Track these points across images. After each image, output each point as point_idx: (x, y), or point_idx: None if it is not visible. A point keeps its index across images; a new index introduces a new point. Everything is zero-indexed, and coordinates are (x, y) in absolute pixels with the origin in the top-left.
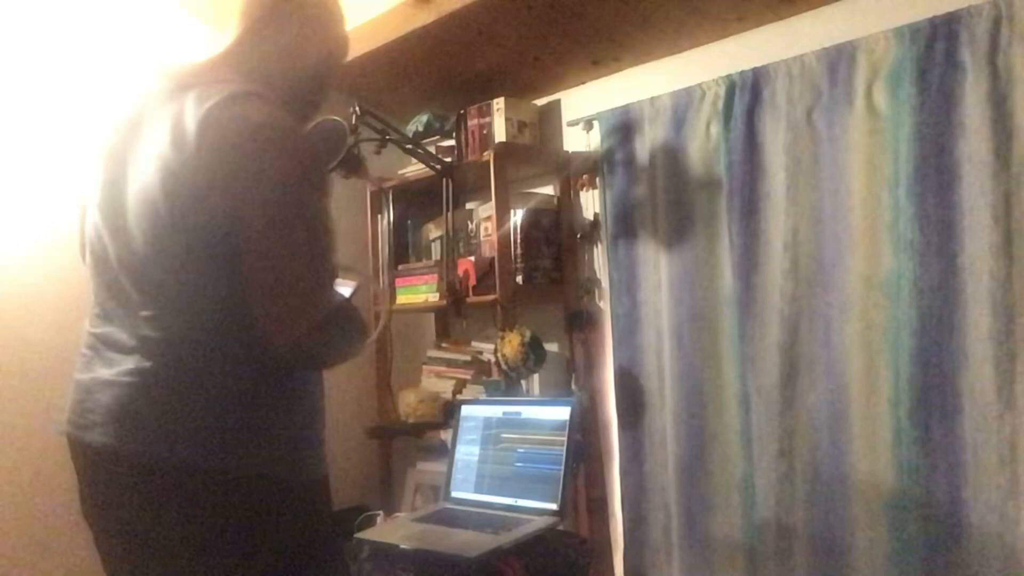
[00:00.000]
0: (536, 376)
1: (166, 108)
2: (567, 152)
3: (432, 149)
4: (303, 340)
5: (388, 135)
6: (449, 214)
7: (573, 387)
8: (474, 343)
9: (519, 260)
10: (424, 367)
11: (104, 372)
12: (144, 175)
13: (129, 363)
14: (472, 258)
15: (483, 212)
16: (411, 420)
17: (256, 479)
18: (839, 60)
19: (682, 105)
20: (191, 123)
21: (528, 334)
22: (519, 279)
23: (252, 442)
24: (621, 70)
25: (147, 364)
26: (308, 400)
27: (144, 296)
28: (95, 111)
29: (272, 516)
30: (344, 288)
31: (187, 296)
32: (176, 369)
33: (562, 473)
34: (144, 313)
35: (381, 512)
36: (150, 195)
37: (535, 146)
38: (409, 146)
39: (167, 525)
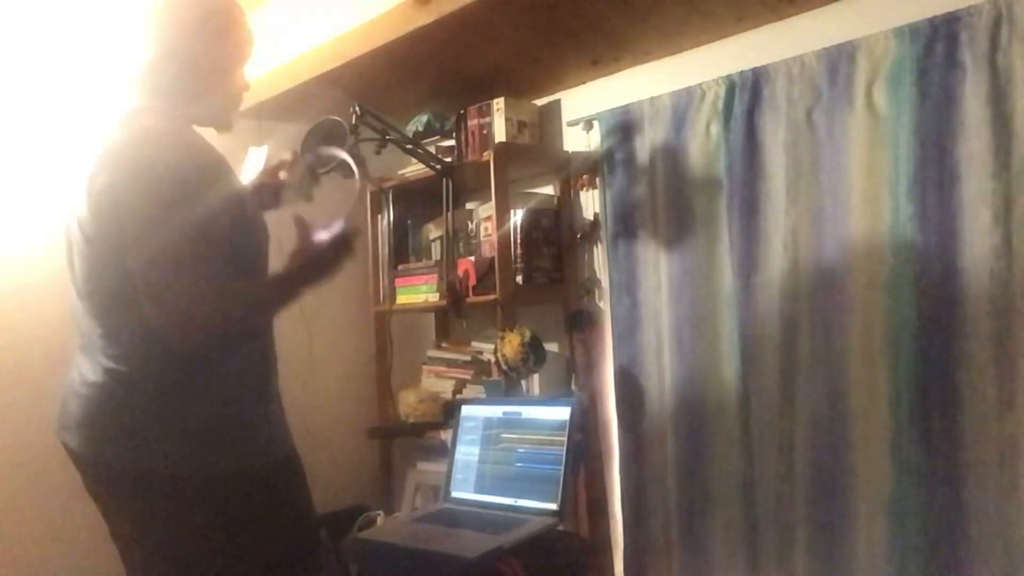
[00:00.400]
0: (536, 376)
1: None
2: (567, 152)
3: (432, 149)
4: (199, 340)
5: (388, 135)
6: (449, 214)
7: (573, 387)
8: (474, 343)
9: (519, 260)
10: (424, 367)
11: (76, 382)
12: (77, 202)
13: (91, 376)
14: (472, 258)
15: (483, 212)
16: (411, 420)
17: (204, 475)
18: (839, 60)
19: (682, 105)
20: (97, 147)
21: (528, 334)
22: (519, 279)
23: (188, 442)
24: (621, 70)
25: (101, 379)
26: (235, 392)
27: (93, 319)
28: (96, 110)
29: (217, 509)
30: (257, 155)
31: (122, 315)
32: (127, 382)
33: (562, 473)
34: (98, 331)
35: (381, 512)
36: (79, 222)
37: (535, 146)
38: (409, 146)
39: (130, 517)
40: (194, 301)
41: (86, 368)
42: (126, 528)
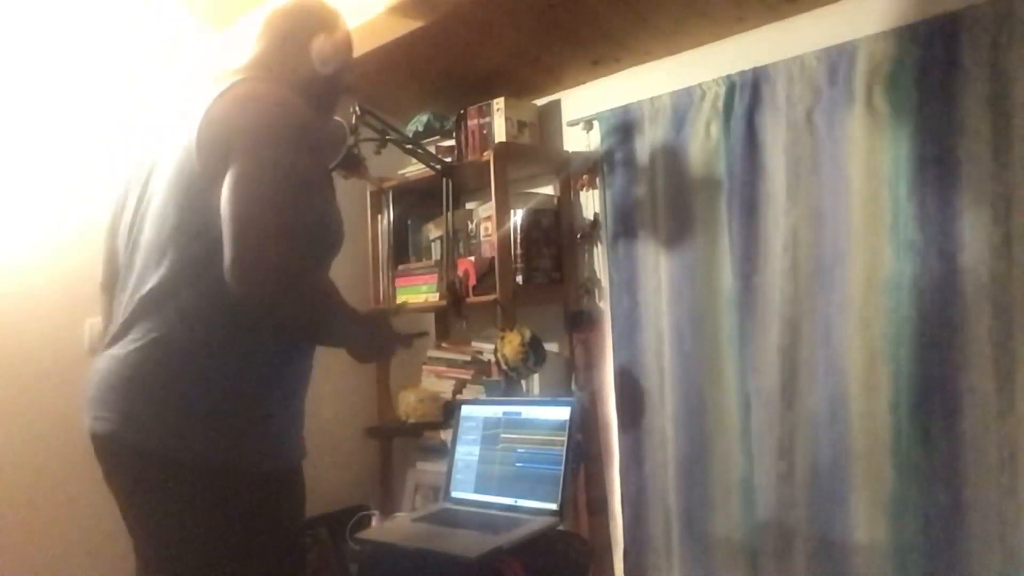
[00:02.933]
0: (536, 376)
1: (187, 109)
2: (567, 152)
3: (432, 149)
4: (261, 294)
5: (388, 135)
6: (449, 214)
7: (573, 387)
8: (474, 343)
9: (519, 260)
10: (424, 367)
11: (109, 363)
12: (165, 170)
13: (129, 348)
14: (472, 258)
15: (483, 212)
16: (411, 420)
17: (219, 468)
18: (839, 60)
19: (682, 105)
20: (200, 112)
21: (528, 334)
22: (519, 279)
23: (195, 427)
24: (621, 70)
25: (141, 348)
26: (277, 390)
27: (138, 289)
28: (96, 110)
29: (228, 505)
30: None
31: (170, 287)
32: (168, 348)
33: (562, 473)
34: (134, 306)
35: (377, 512)
36: (165, 188)
37: (535, 146)
38: (409, 146)
39: (135, 502)
40: (273, 254)
41: (121, 347)
42: (136, 521)
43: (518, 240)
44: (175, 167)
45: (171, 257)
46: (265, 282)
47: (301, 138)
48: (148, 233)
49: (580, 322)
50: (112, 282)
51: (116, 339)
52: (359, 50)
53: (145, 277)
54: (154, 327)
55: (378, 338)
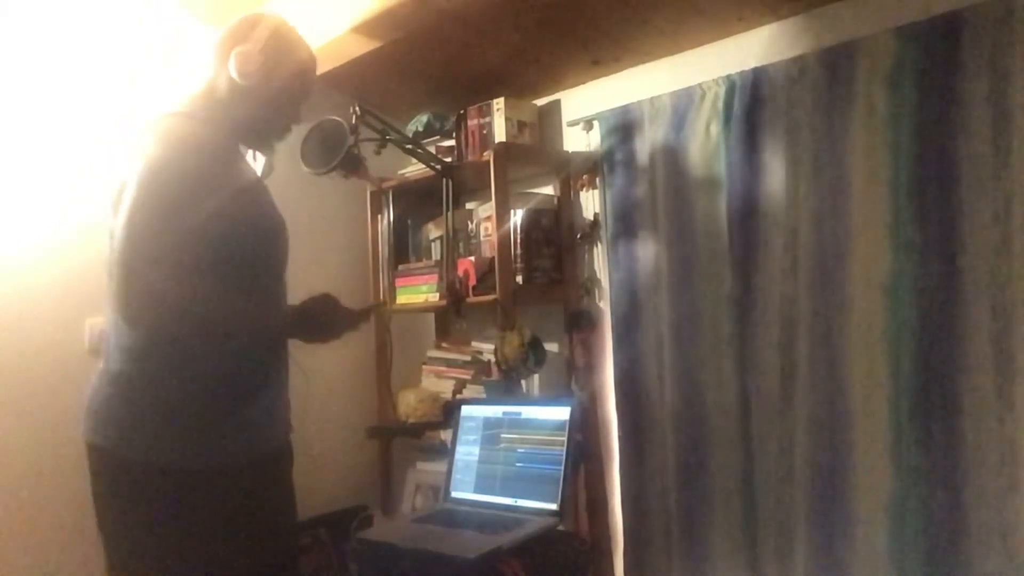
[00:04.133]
0: (536, 376)
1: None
2: (567, 152)
3: (432, 149)
4: (149, 328)
5: (388, 135)
6: (449, 214)
7: (573, 387)
8: (474, 343)
9: (519, 260)
10: (424, 367)
11: (100, 375)
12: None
13: (111, 365)
14: (472, 258)
15: (483, 212)
16: (411, 420)
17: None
18: (839, 60)
19: (682, 105)
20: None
21: (528, 334)
22: (519, 279)
23: (159, 432)
24: (621, 70)
25: (118, 366)
26: (234, 388)
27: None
28: (96, 111)
29: (208, 502)
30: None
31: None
32: (137, 365)
33: (562, 473)
34: (108, 324)
35: (377, 512)
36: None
37: (535, 146)
38: (409, 146)
39: (121, 513)
40: (155, 288)
41: (109, 360)
42: (112, 526)
43: (518, 240)
44: (114, 203)
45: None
46: (152, 319)
47: (197, 169)
48: (107, 265)
49: (580, 322)
50: None
51: (104, 355)
52: (359, 50)
53: (109, 303)
54: (114, 346)
55: (325, 323)
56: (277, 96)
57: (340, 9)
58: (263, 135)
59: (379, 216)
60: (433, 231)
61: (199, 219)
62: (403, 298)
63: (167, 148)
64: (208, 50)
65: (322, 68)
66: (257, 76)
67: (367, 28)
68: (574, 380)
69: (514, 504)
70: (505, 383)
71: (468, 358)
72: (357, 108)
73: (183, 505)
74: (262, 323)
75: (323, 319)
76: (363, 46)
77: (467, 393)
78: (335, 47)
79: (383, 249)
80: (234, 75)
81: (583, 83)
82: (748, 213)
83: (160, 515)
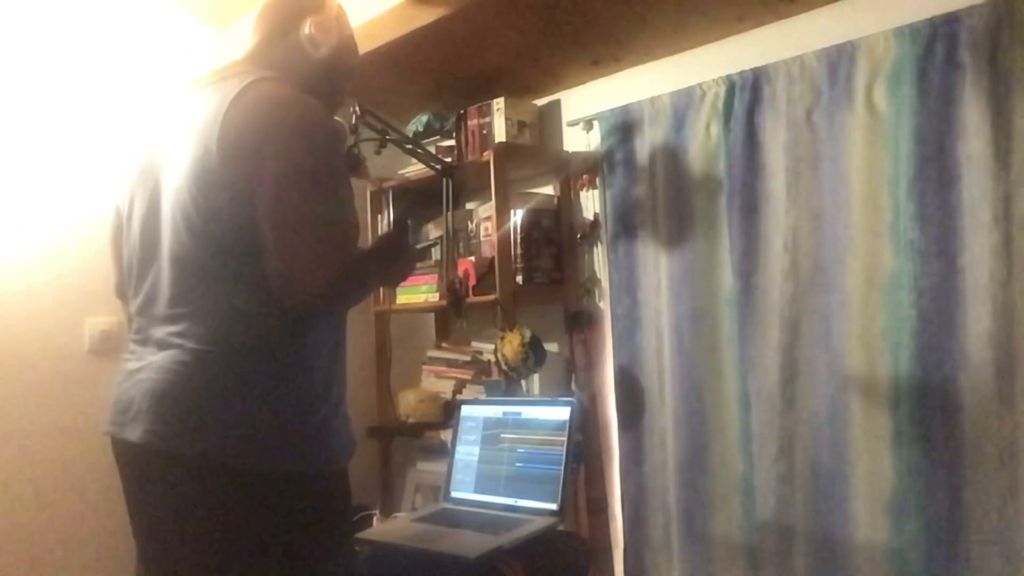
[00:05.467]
0: (536, 376)
1: (193, 106)
2: (567, 152)
3: (432, 149)
4: (315, 299)
5: (388, 135)
6: (449, 214)
7: (573, 387)
8: (474, 343)
9: (519, 260)
10: (424, 367)
11: (144, 370)
12: (178, 169)
13: (166, 361)
14: (472, 258)
15: (483, 212)
16: (411, 420)
17: (271, 472)
18: (839, 60)
19: (682, 105)
20: (215, 110)
21: (528, 334)
22: (519, 279)
23: (267, 436)
24: (621, 70)
25: (182, 362)
26: (320, 393)
27: (177, 299)
28: (96, 111)
29: (284, 509)
30: None
31: (217, 290)
32: (206, 364)
33: (562, 473)
34: (181, 311)
35: (377, 512)
36: (184, 187)
37: (535, 146)
38: (409, 146)
39: (192, 517)
40: (320, 259)
41: (157, 355)
42: (162, 531)
43: (518, 240)
44: (190, 171)
45: (199, 266)
46: (316, 293)
47: (326, 139)
48: (168, 240)
49: (580, 322)
50: (125, 288)
51: (151, 347)
52: (360, 50)
53: (172, 285)
54: (192, 337)
55: (400, 261)
56: (338, 67)
57: None
58: (327, 106)
59: (379, 216)
60: (433, 231)
61: (340, 180)
62: (403, 298)
63: (293, 111)
64: (264, 19)
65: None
66: (329, 45)
67: None
68: (574, 380)
69: (514, 504)
70: (505, 383)
71: (468, 358)
72: (357, 108)
73: (254, 511)
74: (370, 275)
75: (400, 258)
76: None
77: (467, 393)
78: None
79: None
80: (308, 45)
81: (583, 83)
82: (748, 213)
83: (228, 521)
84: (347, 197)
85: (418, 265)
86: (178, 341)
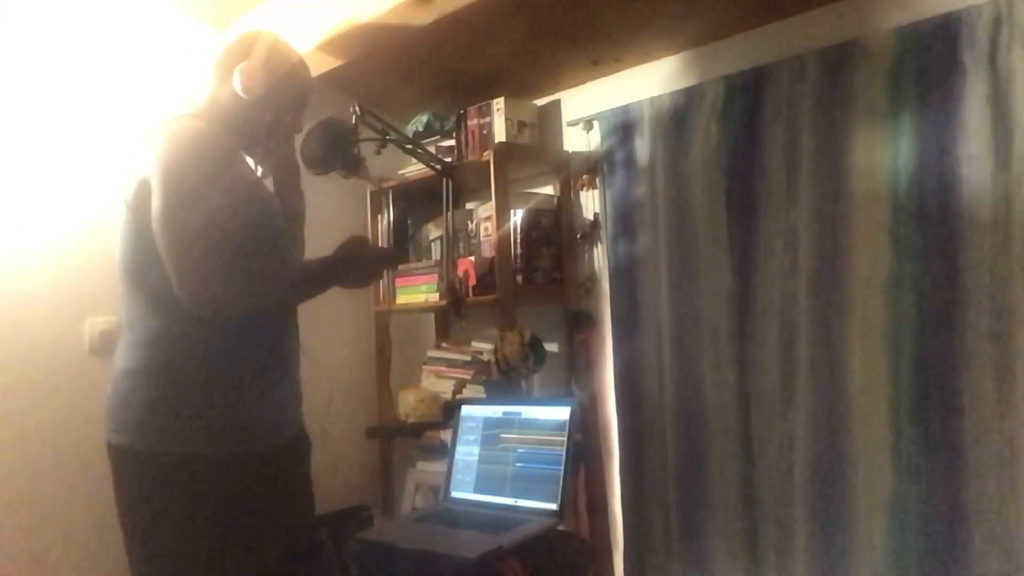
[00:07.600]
0: (536, 376)
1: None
2: (567, 152)
3: (432, 149)
4: (220, 305)
5: (388, 135)
6: (449, 214)
7: (573, 387)
8: (474, 343)
9: (519, 260)
10: (424, 367)
11: (115, 374)
12: (131, 194)
13: (126, 362)
14: (472, 258)
15: (483, 212)
16: (411, 420)
17: (201, 457)
18: (839, 60)
19: (682, 105)
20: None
21: (528, 334)
22: (519, 279)
23: (203, 422)
24: (621, 70)
25: (134, 363)
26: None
27: (124, 305)
28: (96, 111)
29: (218, 490)
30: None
31: (156, 294)
32: (158, 363)
33: (562, 473)
34: (133, 314)
35: (377, 512)
36: (128, 209)
37: (535, 146)
38: (409, 146)
39: (140, 507)
40: (211, 268)
41: (124, 358)
42: (136, 523)
43: (518, 240)
44: (131, 200)
45: (134, 286)
46: (216, 298)
47: (212, 160)
48: (119, 261)
49: (580, 322)
50: None
51: (120, 351)
52: (360, 50)
53: (124, 300)
54: (139, 348)
55: (362, 264)
56: (277, 108)
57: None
58: (264, 146)
59: (379, 216)
60: (433, 231)
61: (222, 200)
62: (403, 298)
63: (183, 143)
64: (208, 67)
65: (322, 68)
66: (260, 90)
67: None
68: (574, 380)
69: (514, 504)
70: (505, 383)
71: (468, 358)
72: (357, 108)
73: (206, 493)
74: (304, 278)
75: (361, 261)
76: (363, 46)
77: (467, 393)
78: (335, 47)
79: None
80: (239, 90)
81: (583, 83)
82: (748, 213)
83: (184, 505)
84: (248, 208)
85: (418, 265)
86: (122, 348)
